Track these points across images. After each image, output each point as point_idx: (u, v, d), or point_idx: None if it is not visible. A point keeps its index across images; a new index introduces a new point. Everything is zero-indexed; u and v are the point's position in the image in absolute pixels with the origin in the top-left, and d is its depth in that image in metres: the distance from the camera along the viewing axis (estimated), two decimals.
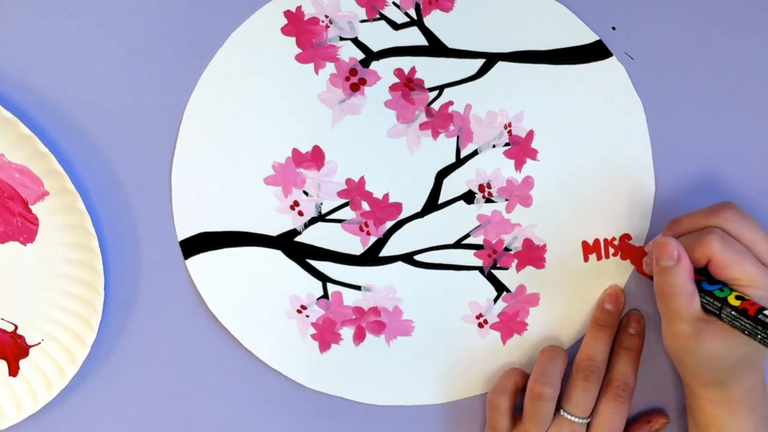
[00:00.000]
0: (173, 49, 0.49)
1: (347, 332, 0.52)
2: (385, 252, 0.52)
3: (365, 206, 0.51)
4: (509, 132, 0.50)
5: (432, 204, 0.51)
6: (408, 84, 0.50)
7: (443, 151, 0.50)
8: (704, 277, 0.47)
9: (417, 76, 0.50)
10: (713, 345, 0.45)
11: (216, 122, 0.50)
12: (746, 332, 0.43)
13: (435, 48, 0.49)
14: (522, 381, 0.52)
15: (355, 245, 0.51)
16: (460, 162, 0.51)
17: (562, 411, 0.50)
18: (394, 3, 0.49)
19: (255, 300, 0.52)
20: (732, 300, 0.44)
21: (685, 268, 0.46)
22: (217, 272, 0.51)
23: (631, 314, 0.52)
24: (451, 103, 0.50)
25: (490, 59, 0.50)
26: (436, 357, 0.53)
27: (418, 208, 0.51)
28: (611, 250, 0.52)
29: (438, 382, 0.53)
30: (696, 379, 0.48)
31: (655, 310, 0.48)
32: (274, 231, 0.51)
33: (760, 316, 0.43)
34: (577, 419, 0.50)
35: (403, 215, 0.51)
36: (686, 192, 0.51)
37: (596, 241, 0.51)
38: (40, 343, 0.52)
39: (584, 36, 0.49)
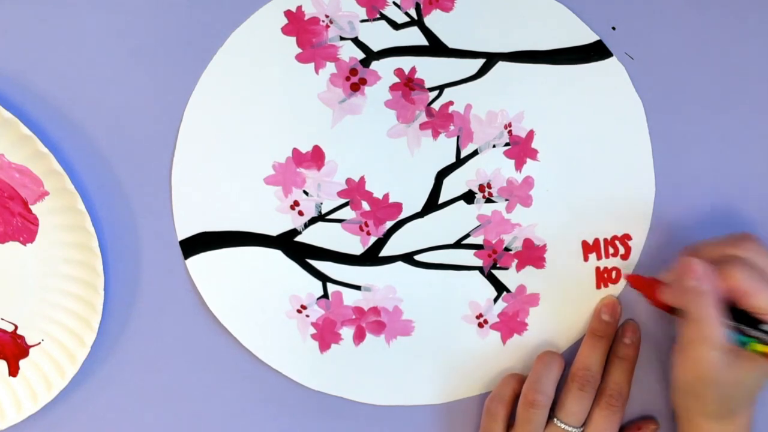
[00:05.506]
0: (173, 49, 0.49)
1: (347, 332, 0.52)
2: (385, 252, 0.52)
3: (365, 206, 0.51)
4: (509, 132, 0.50)
5: (432, 204, 0.51)
6: (408, 84, 0.50)
7: (443, 151, 0.50)
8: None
9: (417, 76, 0.50)
10: (746, 373, 0.45)
11: (216, 122, 0.50)
12: None
13: (435, 48, 0.49)
14: (520, 388, 0.51)
15: (355, 245, 0.51)
16: (460, 162, 0.51)
17: (555, 420, 0.50)
18: (395, 3, 0.49)
19: (255, 300, 0.52)
20: (757, 348, 0.44)
21: (715, 291, 0.44)
22: (217, 272, 0.51)
23: (627, 324, 0.51)
24: (451, 103, 0.50)
25: (490, 59, 0.50)
26: (436, 357, 0.53)
27: (418, 208, 0.51)
28: (611, 250, 0.52)
29: (438, 382, 0.53)
30: (703, 409, 0.47)
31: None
32: (274, 231, 0.51)
33: None
34: (570, 428, 0.50)
35: (403, 215, 0.51)
36: (686, 192, 0.51)
37: (596, 240, 0.51)
38: (40, 343, 0.52)
39: (584, 36, 0.49)
